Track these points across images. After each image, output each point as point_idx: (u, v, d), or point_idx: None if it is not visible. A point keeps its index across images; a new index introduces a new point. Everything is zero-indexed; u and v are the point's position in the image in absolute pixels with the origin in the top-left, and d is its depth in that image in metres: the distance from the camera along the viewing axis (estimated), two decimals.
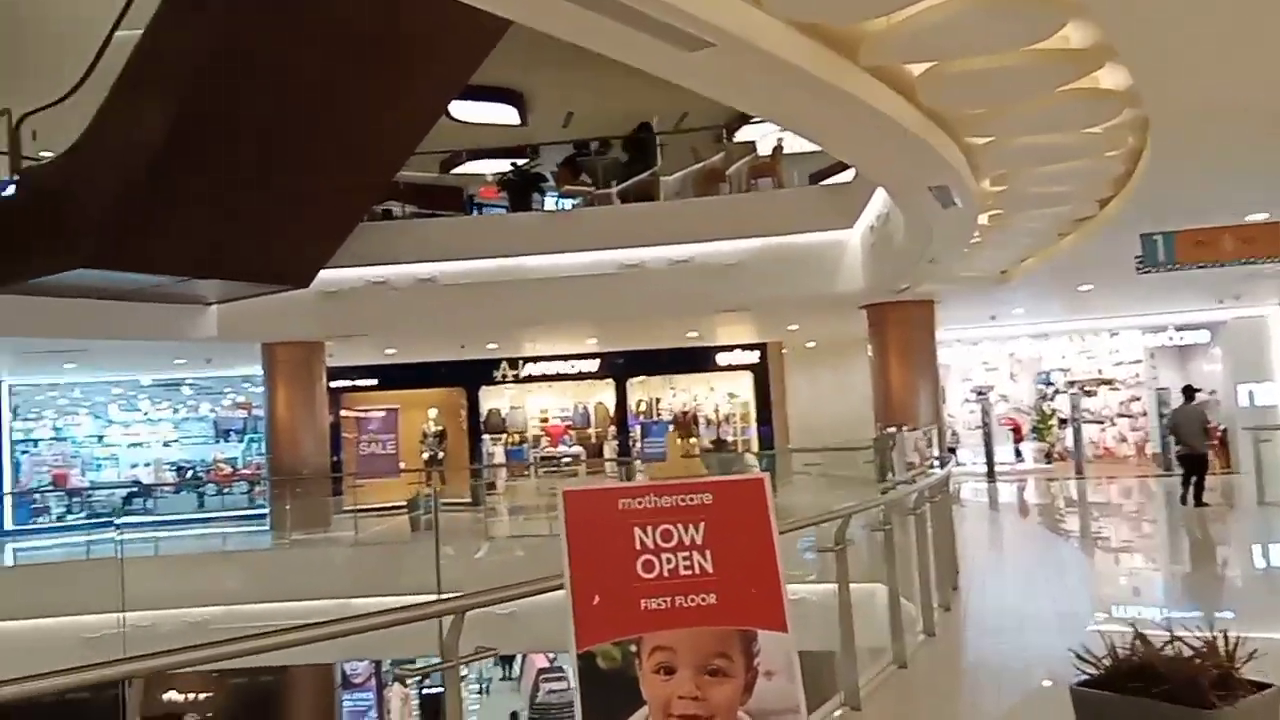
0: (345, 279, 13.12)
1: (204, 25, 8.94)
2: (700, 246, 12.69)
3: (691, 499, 2.62)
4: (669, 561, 2.56)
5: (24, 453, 18.18)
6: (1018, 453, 20.06)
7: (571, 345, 18.62)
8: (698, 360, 19.24)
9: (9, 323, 11.59)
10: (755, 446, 19.33)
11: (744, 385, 19.80)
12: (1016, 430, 20.17)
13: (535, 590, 3.04)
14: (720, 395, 20.02)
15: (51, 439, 18.26)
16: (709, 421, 19.68)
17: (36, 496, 17.95)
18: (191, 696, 15.49)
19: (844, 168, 14.40)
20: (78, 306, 11.77)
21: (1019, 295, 14.22)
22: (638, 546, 2.56)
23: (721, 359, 19.28)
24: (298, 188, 10.99)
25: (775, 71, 4.51)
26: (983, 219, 8.41)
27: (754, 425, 19.60)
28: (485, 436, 20.01)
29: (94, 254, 10.02)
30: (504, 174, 15.15)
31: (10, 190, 10.88)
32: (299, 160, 10.64)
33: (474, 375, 19.22)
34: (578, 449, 21.34)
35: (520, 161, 15.35)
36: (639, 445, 19.67)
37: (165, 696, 15.48)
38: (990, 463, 18.94)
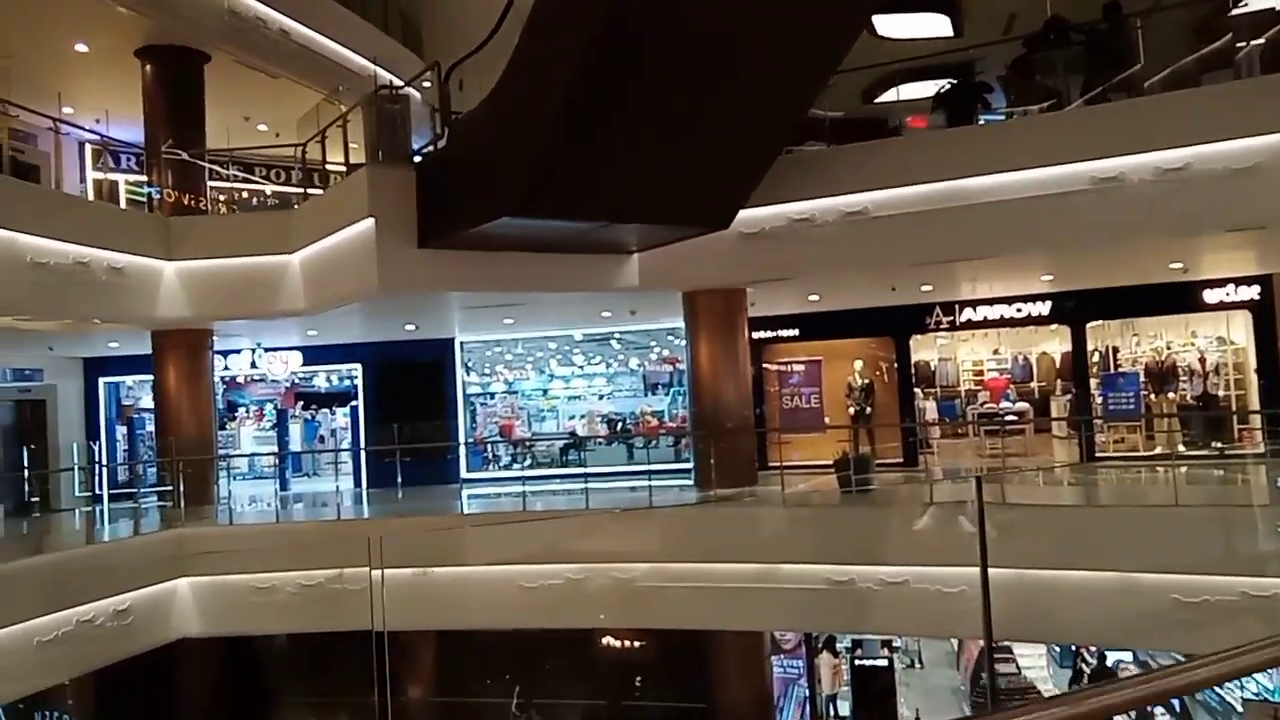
0: (766, 218, 12.13)
1: None
2: (1199, 149, 10.06)
3: None
4: None
5: (482, 404, 19.55)
6: None
7: (1019, 284, 16.24)
8: (1175, 298, 15.89)
9: (451, 278, 11.96)
10: (1255, 403, 15.77)
11: (1238, 328, 16.22)
12: None
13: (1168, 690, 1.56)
14: (1202, 341, 16.59)
15: (504, 392, 19.44)
16: (1192, 373, 16.40)
17: (486, 446, 19.24)
18: (628, 644, 15.82)
19: None
20: (509, 259, 11.88)
21: None
22: None
23: (1210, 296, 15.81)
24: (714, 123, 10.14)
25: None
26: None
27: (1253, 377, 16.00)
28: (916, 390, 18.34)
29: (518, 201, 9.85)
30: (938, 90, 13.29)
31: (443, 143, 11.12)
32: (715, 94, 9.77)
33: (903, 323, 17.49)
34: (1023, 405, 18.97)
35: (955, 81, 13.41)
36: (1099, 400, 16.86)
37: (604, 641, 15.96)
38: None
